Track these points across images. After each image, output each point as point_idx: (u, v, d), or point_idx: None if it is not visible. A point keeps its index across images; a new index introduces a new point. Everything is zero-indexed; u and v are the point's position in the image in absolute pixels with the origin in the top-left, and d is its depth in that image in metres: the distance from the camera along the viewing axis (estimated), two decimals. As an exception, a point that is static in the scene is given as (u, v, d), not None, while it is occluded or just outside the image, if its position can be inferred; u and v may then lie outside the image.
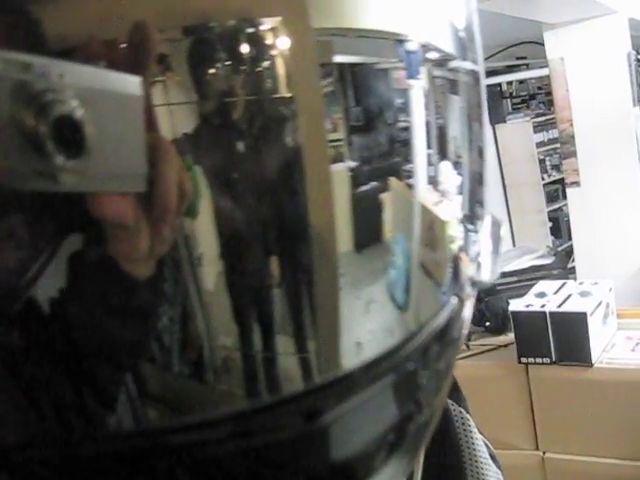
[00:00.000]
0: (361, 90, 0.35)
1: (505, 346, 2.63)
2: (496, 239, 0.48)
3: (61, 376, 0.27)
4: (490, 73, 5.33)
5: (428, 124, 0.38)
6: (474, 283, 0.45)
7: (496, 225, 0.48)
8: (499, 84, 5.85)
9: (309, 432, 0.32)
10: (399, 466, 0.38)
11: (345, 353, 0.34)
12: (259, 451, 0.30)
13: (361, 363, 0.34)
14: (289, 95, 0.31)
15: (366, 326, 0.34)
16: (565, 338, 2.35)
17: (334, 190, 0.32)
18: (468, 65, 0.43)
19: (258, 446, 0.30)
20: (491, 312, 2.82)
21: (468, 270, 0.43)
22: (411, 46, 0.36)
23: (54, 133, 0.24)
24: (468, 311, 0.44)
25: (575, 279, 3.06)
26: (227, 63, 0.29)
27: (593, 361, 2.33)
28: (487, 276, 0.46)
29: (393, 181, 0.36)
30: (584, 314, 2.32)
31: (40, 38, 0.25)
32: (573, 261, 3.91)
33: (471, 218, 0.43)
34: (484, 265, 0.45)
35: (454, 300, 0.41)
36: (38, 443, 0.27)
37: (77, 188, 0.25)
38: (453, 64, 0.42)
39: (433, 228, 0.38)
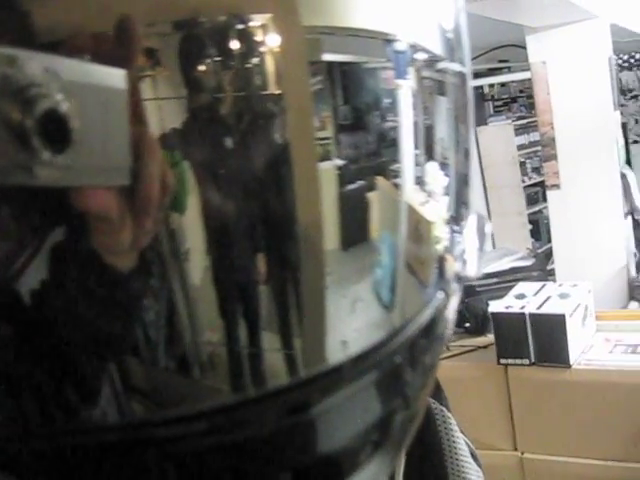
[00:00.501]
0: (349, 89, 0.35)
1: (485, 347, 2.64)
2: (482, 236, 0.48)
3: (45, 368, 0.27)
4: (472, 75, 5.35)
5: (415, 124, 0.38)
6: (460, 279, 0.45)
7: (481, 222, 0.48)
8: (481, 87, 5.89)
9: (294, 426, 0.32)
10: (383, 462, 0.38)
11: (331, 348, 0.34)
12: (245, 444, 0.30)
13: (347, 357, 0.34)
14: (278, 92, 0.31)
15: (352, 322, 0.35)
16: (544, 339, 2.36)
17: (321, 188, 0.32)
18: (456, 66, 0.43)
19: (243, 439, 0.30)
20: (471, 313, 2.83)
21: (454, 267, 0.44)
22: (399, 46, 0.36)
23: (40, 128, 0.23)
24: (453, 307, 0.44)
25: (554, 281, 3.08)
26: (216, 59, 0.29)
27: (571, 362, 2.34)
28: (472, 272, 0.46)
29: (380, 180, 0.36)
30: (563, 316, 2.33)
31: (25, 31, 0.24)
32: (552, 263, 3.93)
33: (457, 219, 0.44)
34: (470, 261, 0.46)
35: (440, 295, 0.42)
36: (22, 435, 0.27)
37: (62, 182, 0.25)
38: (441, 65, 0.42)
39: (419, 228, 0.38)
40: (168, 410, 0.29)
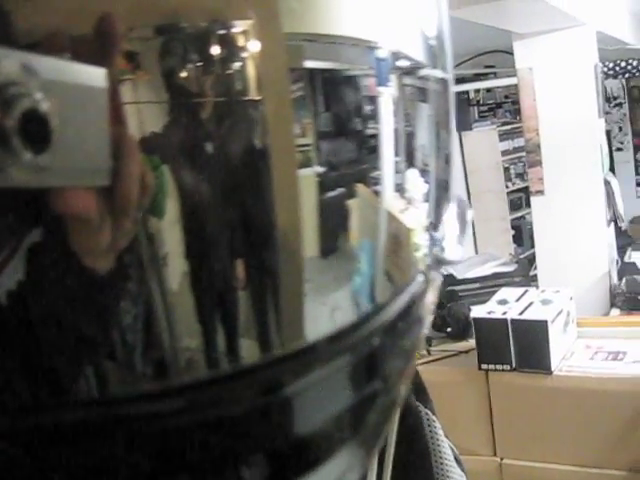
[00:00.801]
0: (331, 96, 0.35)
1: (466, 352, 2.64)
2: (462, 221, 0.48)
3: (17, 350, 0.27)
4: (458, 81, 5.37)
5: (397, 132, 0.38)
6: (440, 263, 0.45)
7: (462, 206, 0.48)
8: (466, 92, 5.90)
9: (269, 405, 0.32)
10: (356, 455, 0.37)
11: (306, 328, 0.34)
12: (219, 424, 0.30)
13: (322, 337, 0.33)
14: (258, 98, 0.31)
15: (328, 304, 0.35)
16: (525, 345, 2.37)
17: (301, 195, 0.32)
18: (438, 73, 0.43)
19: (218, 418, 0.30)
20: (453, 318, 2.84)
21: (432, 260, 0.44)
22: (381, 53, 0.36)
23: (20, 128, 0.23)
24: (434, 291, 0.44)
25: (537, 287, 3.09)
26: (196, 64, 0.29)
27: (552, 369, 2.35)
28: (453, 257, 0.46)
29: (360, 188, 0.36)
30: (545, 322, 2.34)
31: (4, 30, 0.24)
32: (535, 269, 3.95)
33: (437, 225, 0.44)
34: (450, 247, 0.46)
35: (420, 278, 0.42)
36: None
37: (41, 183, 0.24)
38: (423, 72, 0.42)
39: (399, 235, 0.39)
40: (140, 387, 0.29)
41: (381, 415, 0.39)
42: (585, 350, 2.52)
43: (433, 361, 2.63)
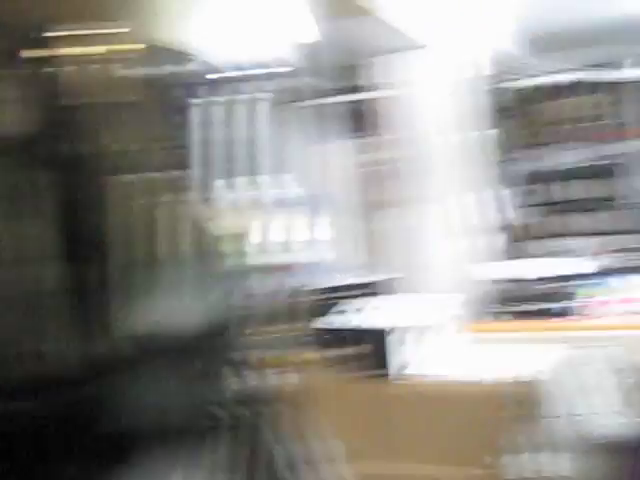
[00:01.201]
0: (146, 103, 0.35)
1: (329, 361, 2.67)
2: (311, 226, 0.49)
3: None
4: (322, 93, 5.43)
5: (220, 140, 0.39)
6: (261, 270, 0.46)
7: (313, 212, 0.49)
8: (329, 105, 5.96)
9: (81, 404, 0.32)
10: (165, 456, 0.38)
11: (116, 334, 0.34)
12: (34, 423, 0.30)
13: (133, 344, 0.34)
14: (77, 103, 0.31)
15: (142, 310, 0.35)
16: (377, 353, 2.42)
17: (110, 203, 0.33)
18: (290, 82, 0.44)
19: (33, 418, 0.30)
20: (312, 329, 2.85)
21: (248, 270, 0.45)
22: (197, 64, 0.37)
23: None
24: (253, 303, 0.45)
25: (394, 295, 3.16)
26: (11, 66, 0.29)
27: (394, 375, 2.44)
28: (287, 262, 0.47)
29: (169, 196, 0.37)
30: (396, 329, 2.41)
31: None
32: (393, 278, 4.02)
33: (264, 233, 0.45)
34: (285, 253, 0.47)
35: (236, 294, 0.42)
36: None
37: None
38: (274, 81, 0.43)
39: (209, 243, 0.39)
40: None
41: (192, 418, 0.40)
42: (439, 357, 2.59)
43: (293, 370, 2.64)
